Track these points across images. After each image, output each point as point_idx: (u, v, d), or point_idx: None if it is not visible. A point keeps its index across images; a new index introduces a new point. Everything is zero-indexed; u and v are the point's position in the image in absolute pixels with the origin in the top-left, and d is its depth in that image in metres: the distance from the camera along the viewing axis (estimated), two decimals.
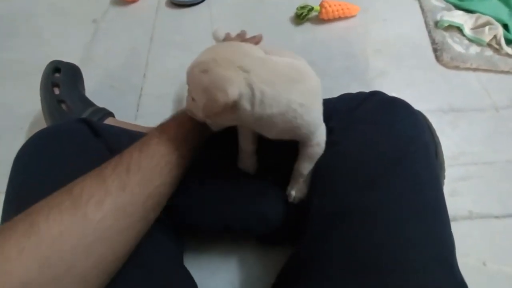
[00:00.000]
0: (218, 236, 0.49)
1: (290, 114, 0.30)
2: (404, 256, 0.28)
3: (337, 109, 0.40)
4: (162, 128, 0.34)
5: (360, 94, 0.41)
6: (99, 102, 0.59)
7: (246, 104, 0.28)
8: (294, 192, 0.40)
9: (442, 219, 0.32)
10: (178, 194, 0.37)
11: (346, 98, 0.42)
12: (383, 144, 0.34)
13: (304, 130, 0.32)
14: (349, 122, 0.38)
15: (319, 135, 0.35)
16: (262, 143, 0.43)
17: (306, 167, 0.37)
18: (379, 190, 0.32)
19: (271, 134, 0.33)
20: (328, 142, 0.38)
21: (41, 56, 0.65)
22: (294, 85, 0.30)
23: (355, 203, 0.32)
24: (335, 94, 0.47)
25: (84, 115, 0.52)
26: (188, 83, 0.31)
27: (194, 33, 0.82)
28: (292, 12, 0.83)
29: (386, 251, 0.29)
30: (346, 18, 0.81)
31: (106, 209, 0.25)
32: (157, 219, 0.37)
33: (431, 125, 0.46)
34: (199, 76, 0.28)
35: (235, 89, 0.27)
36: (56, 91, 0.53)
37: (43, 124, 0.57)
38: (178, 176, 0.34)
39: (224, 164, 0.43)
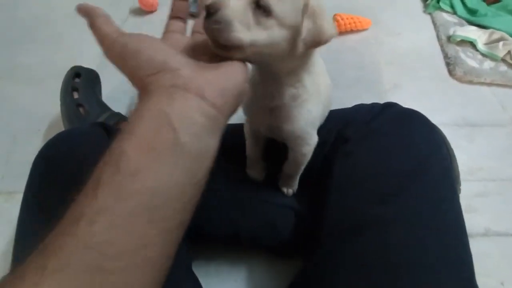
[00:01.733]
0: (228, 244, 0.48)
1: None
2: (422, 275, 0.27)
3: (354, 119, 0.40)
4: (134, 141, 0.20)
5: (376, 105, 0.41)
6: (115, 107, 0.61)
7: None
8: (286, 189, 0.44)
9: (461, 238, 0.31)
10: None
11: (363, 109, 0.42)
12: (399, 157, 0.34)
13: (297, 130, 0.34)
14: (366, 133, 0.37)
15: (307, 145, 0.37)
16: (271, 152, 0.44)
17: (292, 169, 0.41)
18: (395, 205, 0.31)
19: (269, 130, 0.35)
20: (343, 152, 0.38)
21: (59, 61, 0.67)
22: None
23: (370, 218, 0.31)
24: (346, 105, 0.47)
25: (101, 119, 0.53)
26: None
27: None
28: None
29: (402, 270, 0.28)
30: (357, 31, 0.82)
31: None
32: None
33: (446, 138, 0.45)
34: None
35: None
36: (75, 95, 0.54)
37: (59, 127, 0.58)
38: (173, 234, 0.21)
39: (234, 172, 0.43)
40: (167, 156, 0.19)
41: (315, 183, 0.45)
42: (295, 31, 0.25)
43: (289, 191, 0.44)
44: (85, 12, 0.25)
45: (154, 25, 0.88)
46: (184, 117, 0.20)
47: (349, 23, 0.79)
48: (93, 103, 0.54)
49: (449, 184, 0.33)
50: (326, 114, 0.41)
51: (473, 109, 0.65)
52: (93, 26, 0.24)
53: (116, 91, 0.71)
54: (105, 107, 0.56)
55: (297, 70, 0.30)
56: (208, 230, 0.41)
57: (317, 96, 0.34)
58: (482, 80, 0.68)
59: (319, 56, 0.34)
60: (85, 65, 0.62)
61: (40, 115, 0.66)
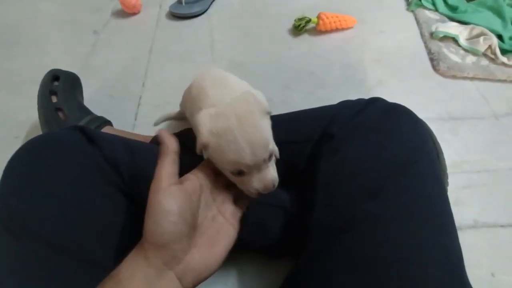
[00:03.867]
0: None
1: None
2: (412, 271, 0.27)
3: (338, 116, 0.39)
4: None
5: (361, 101, 0.41)
6: (98, 111, 0.59)
7: None
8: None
9: (450, 230, 0.30)
10: None
11: (347, 105, 0.41)
12: (386, 152, 0.33)
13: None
14: (351, 129, 0.37)
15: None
16: None
17: None
18: (383, 200, 0.30)
19: None
20: (329, 149, 0.37)
21: (40, 66, 0.64)
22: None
23: (358, 214, 0.31)
24: (333, 102, 0.47)
25: (81, 123, 0.51)
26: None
27: (193, 44, 0.82)
28: (290, 24, 0.84)
29: (392, 265, 0.27)
30: (343, 29, 0.82)
31: None
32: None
33: (432, 132, 0.45)
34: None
35: None
36: (54, 99, 0.52)
37: (38, 133, 0.56)
38: None
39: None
40: None
41: (302, 181, 0.44)
42: None
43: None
44: (162, 140, 0.30)
45: (137, 27, 0.87)
46: None
47: (334, 22, 0.79)
48: (73, 107, 0.52)
49: (436, 177, 0.33)
50: None
51: (457, 103, 0.66)
52: (161, 160, 0.29)
53: (99, 95, 0.70)
54: (86, 111, 0.54)
55: None
56: None
57: None
58: (465, 75, 0.69)
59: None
60: (67, 69, 0.60)
61: (19, 121, 0.64)
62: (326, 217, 0.33)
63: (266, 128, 0.31)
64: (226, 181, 0.33)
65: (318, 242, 0.32)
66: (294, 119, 0.44)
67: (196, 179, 0.31)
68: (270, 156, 0.31)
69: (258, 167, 0.30)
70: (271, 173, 0.31)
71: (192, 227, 0.28)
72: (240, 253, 0.47)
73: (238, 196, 0.34)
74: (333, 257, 0.30)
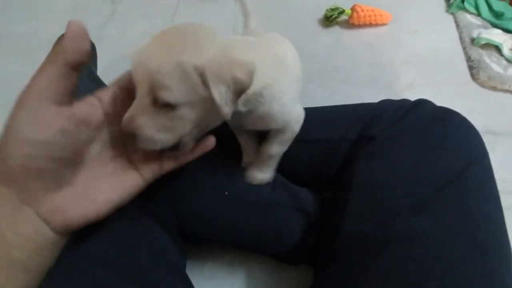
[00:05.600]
0: (224, 245, 0.43)
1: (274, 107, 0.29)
2: None
3: (380, 116, 0.35)
4: None
5: (405, 102, 0.36)
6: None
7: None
8: (259, 174, 0.36)
9: (504, 258, 0.26)
10: (184, 200, 0.33)
11: (389, 105, 0.37)
12: (436, 161, 0.29)
13: (280, 121, 0.31)
14: (395, 132, 0.33)
15: (296, 122, 0.33)
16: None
17: (277, 150, 0.35)
18: (431, 216, 0.27)
19: (251, 126, 0.32)
20: (367, 153, 0.33)
21: (51, 32, 0.60)
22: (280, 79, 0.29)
23: (400, 230, 0.27)
24: (358, 102, 0.42)
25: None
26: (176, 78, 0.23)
27: (215, 26, 0.76)
28: (320, 13, 0.79)
29: None
30: (376, 25, 0.77)
31: None
32: (162, 222, 0.32)
33: None
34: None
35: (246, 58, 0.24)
36: None
37: None
38: None
39: (240, 173, 0.38)
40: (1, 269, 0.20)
41: (329, 185, 0.40)
42: (210, 100, 0.24)
43: (264, 176, 0.36)
44: (65, 34, 0.23)
45: (158, 2, 0.82)
46: (23, 235, 0.21)
47: (369, 16, 0.74)
48: (84, 76, 0.48)
49: (493, 194, 0.28)
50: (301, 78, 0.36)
51: (495, 116, 0.61)
52: (44, 67, 0.23)
53: (109, 68, 0.65)
54: (99, 83, 0.50)
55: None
56: (204, 233, 0.37)
57: (284, 77, 0.30)
58: (507, 87, 0.64)
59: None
60: None
61: None
62: (360, 229, 0.29)
63: (184, 71, 0.23)
64: None
65: (349, 257, 0.28)
66: (327, 115, 0.40)
67: (99, 105, 0.24)
68: (166, 104, 0.23)
69: (139, 92, 0.24)
70: (133, 110, 0.24)
71: (65, 164, 0.22)
72: (249, 255, 0.44)
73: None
74: (367, 275, 0.26)
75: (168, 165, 0.28)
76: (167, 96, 0.23)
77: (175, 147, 0.27)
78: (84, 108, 0.24)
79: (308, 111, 0.41)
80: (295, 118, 0.33)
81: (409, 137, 0.32)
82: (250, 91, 0.24)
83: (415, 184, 0.29)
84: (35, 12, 0.78)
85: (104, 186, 0.24)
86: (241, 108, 0.25)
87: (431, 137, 0.31)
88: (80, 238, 0.26)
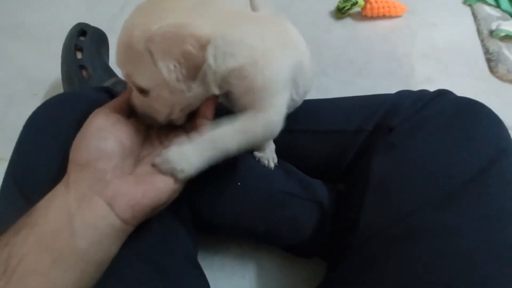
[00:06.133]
0: (238, 237, 0.43)
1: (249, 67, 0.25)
2: None
3: (399, 106, 0.34)
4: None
5: (425, 92, 0.35)
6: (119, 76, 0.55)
7: (210, 58, 0.23)
8: (176, 150, 0.27)
9: None
10: (197, 191, 0.33)
11: (407, 95, 0.36)
12: (462, 154, 0.28)
13: (257, 94, 0.25)
14: (415, 123, 0.32)
15: (271, 111, 0.26)
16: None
17: (220, 133, 0.26)
18: (456, 210, 0.25)
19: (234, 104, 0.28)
20: (387, 144, 0.32)
21: (66, 22, 0.60)
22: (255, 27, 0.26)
23: (423, 224, 0.26)
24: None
25: (106, 85, 0.47)
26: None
27: None
28: (333, 5, 0.77)
29: (463, 285, 0.23)
30: (390, 17, 0.75)
31: None
32: (176, 212, 0.32)
33: None
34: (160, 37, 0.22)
35: (202, 29, 0.22)
36: (79, 55, 0.48)
37: (59, 92, 0.53)
38: None
39: (256, 162, 0.37)
40: (62, 260, 0.20)
41: (343, 177, 0.39)
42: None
43: (182, 158, 0.25)
44: None
45: None
46: (88, 223, 0.21)
47: (383, 7, 0.72)
48: (97, 66, 0.48)
49: None
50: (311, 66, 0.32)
51: None
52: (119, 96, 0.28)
53: None
54: (111, 73, 0.50)
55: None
56: (220, 225, 0.36)
57: (278, 51, 0.26)
58: None
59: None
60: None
61: (40, 78, 0.61)
62: (380, 223, 0.28)
63: (137, 52, 0.22)
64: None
65: (367, 250, 0.28)
66: (341, 105, 0.39)
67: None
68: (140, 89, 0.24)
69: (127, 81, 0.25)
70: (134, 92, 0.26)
71: (128, 151, 0.25)
72: (261, 246, 0.43)
73: None
74: (387, 270, 0.25)
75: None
76: (136, 82, 0.24)
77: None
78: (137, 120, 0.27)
79: (322, 102, 0.41)
80: (269, 116, 0.26)
81: (432, 128, 0.31)
82: (209, 66, 0.23)
83: (440, 177, 0.28)
84: (49, 1, 0.79)
85: (160, 178, 0.24)
86: (214, 90, 0.25)
87: (455, 128, 0.30)
88: None
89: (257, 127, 0.26)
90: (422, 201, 0.27)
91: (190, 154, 0.25)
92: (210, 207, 0.35)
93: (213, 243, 0.44)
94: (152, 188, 0.24)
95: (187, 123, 0.28)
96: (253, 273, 0.42)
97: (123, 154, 0.24)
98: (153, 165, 0.24)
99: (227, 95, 0.27)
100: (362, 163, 0.34)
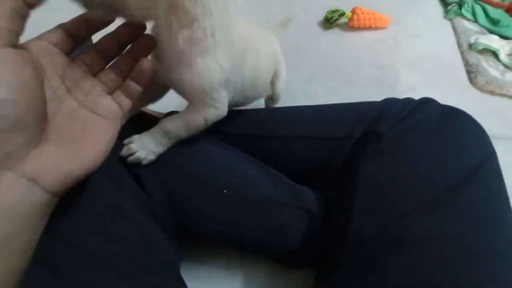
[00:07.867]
0: (224, 246, 0.42)
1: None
2: None
3: (386, 113, 0.34)
4: None
5: (410, 100, 0.36)
6: None
7: None
8: (138, 143, 0.29)
9: None
10: (181, 198, 0.32)
11: (394, 103, 0.36)
12: (448, 160, 0.28)
13: (190, 83, 0.26)
14: (403, 129, 0.32)
15: (208, 109, 0.29)
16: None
17: (171, 127, 0.30)
18: (444, 216, 0.26)
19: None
20: (375, 151, 0.32)
21: None
22: None
23: (412, 230, 0.26)
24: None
25: None
26: None
27: None
28: (321, 15, 0.79)
29: None
30: (375, 28, 0.77)
31: None
32: (159, 220, 0.31)
33: None
34: None
35: None
36: None
37: None
38: None
39: (240, 167, 0.36)
40: None
41: (331, 184, 0.39)
42: None
43: (142, 152, 0.29)
44: None
45: None
46: (7, 204, 0.18)
47: (369, 19, 0.74)
48: None
49: (504, 197, 0.28)
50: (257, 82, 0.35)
51: (494, 120, 0.61)
52: None
53: None
54: None
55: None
56: (206, 234, 0.35)
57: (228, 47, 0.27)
58: (504, 92, 0.65)
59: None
60: None
61: None
62: (368, 230, 0.28)
63: None
64: (96, 63, 0.25)
65: (357, 257, 0.27)
66: (328, 112, 0.39)
67: (43, 49, 0.21)
68: None
69: None
70: None
71: (40, 113, 0.20)
72: (248, 256, 0.42)
73: (112, 84, 0.25)
74: (376, 276, 0.25)
75: (134, 86, 0.26)
76: None
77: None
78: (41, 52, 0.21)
79: (310, 108, 0.41)
80: (209, 112, 0.29)
81: (419, 134, 0.31)
82: None
83: (428, 182, 0.28)
84: None
85: (86, 138, 0.22)
86: None
87: (442, 134, 0.30)
88: (67, 229, 0.24)
89: (200, 121, 0.30)
90: (411, 207, 0.27)
91: (149, 143, 0.30)
92: (195, 216, 0.34)
93: (199, 252, 0.42)
94: (80, 155, 0.21)
95: (102, 75, 0.25)
96: (241, 283, 0.41)
97: (37, 118, 0.19)
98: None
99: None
100: (351, 170, 0.34)
